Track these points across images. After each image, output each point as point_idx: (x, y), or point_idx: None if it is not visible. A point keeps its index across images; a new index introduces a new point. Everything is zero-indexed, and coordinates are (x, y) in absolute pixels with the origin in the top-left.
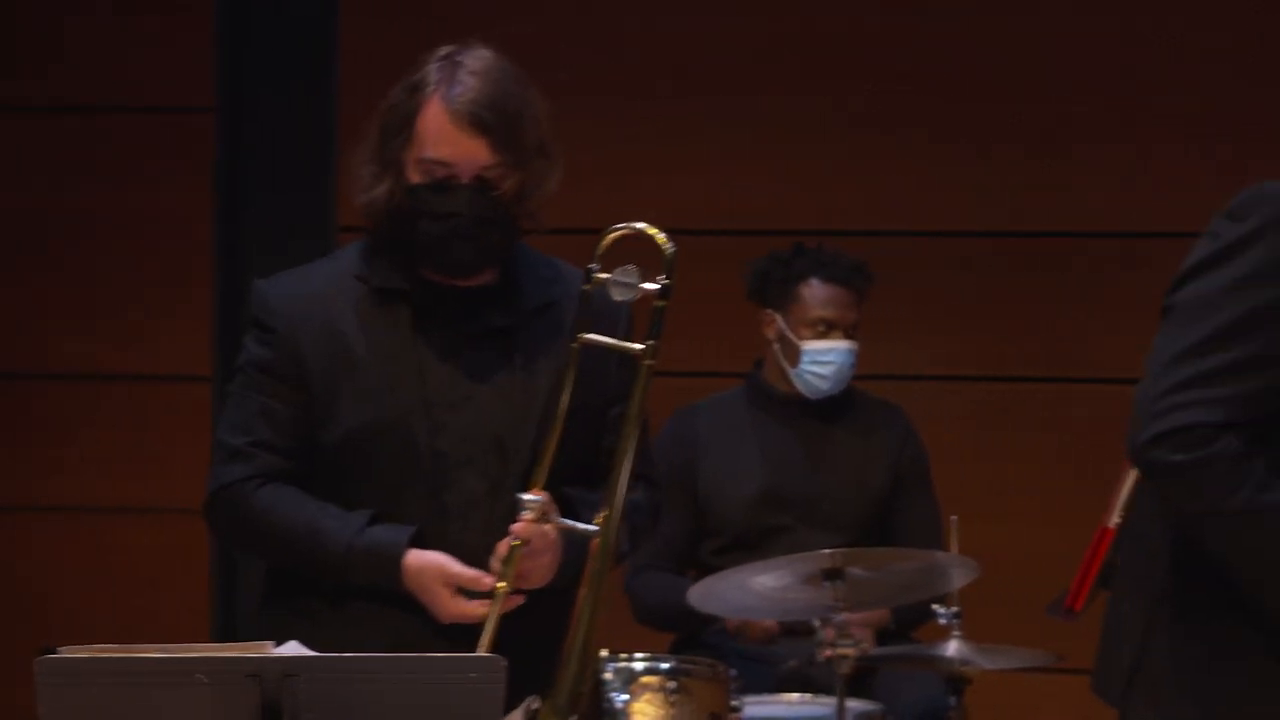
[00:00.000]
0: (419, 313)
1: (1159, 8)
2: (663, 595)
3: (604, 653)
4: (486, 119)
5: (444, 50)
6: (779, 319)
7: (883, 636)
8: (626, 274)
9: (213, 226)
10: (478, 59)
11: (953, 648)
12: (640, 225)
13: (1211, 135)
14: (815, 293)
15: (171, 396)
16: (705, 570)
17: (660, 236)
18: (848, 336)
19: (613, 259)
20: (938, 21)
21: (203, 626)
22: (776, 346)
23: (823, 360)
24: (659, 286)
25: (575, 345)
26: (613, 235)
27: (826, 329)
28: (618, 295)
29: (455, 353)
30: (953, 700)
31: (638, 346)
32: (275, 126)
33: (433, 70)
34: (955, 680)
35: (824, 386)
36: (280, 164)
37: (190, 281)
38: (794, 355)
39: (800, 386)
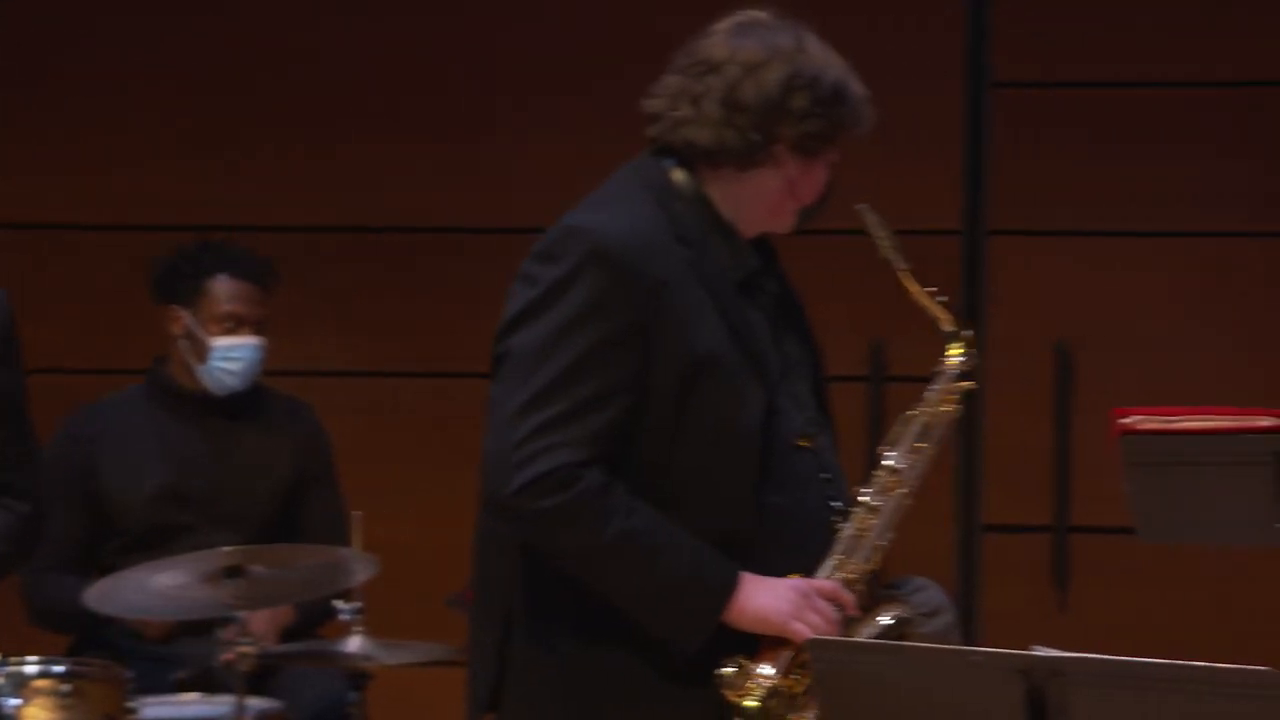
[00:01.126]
0: None
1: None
2: (59, 596)
3: None
4: None
5: None
6: (186, 315)
7: (286, 634)
8: None
9: None
10: None
11: (355, 643)
12: None
13: (594, 132)
14: (223, 288)
15: None
16: (107, 570)
17: None
18: (256, 333)
19: None
20: (299, 19)
21: None
22: (184, 343)
23: (232, 356)
24: None
25: None
26: None
27: (235, 325)
28: None
29: None
30: (354, 696)
31: None
32: None
33: None
34: (357, 676)
35: (233, 383)
36: None
37: None
38: (203, 351)
39: (209, 383)
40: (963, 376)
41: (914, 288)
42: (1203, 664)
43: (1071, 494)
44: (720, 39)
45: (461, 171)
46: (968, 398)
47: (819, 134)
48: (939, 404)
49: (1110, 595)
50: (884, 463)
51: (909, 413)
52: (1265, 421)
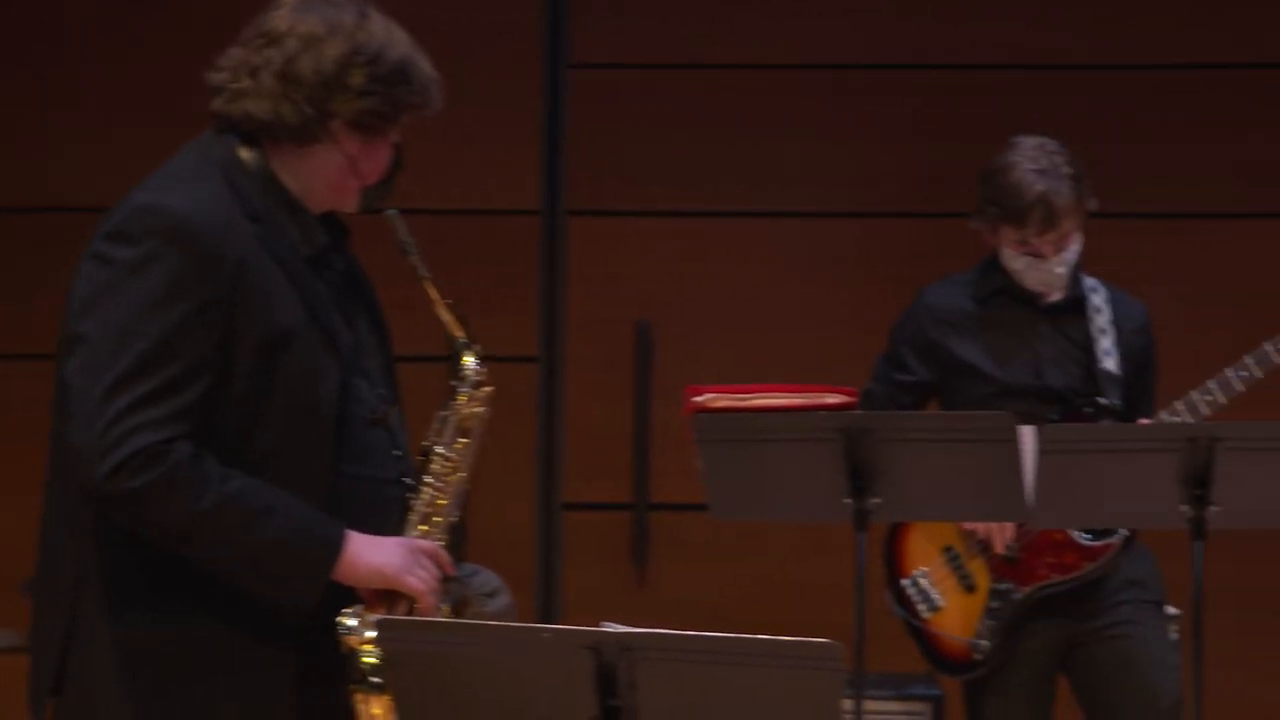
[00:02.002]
0: None
1: None
2: None
3: None
4: None
5: None
6: None
7: None
8: None
9: None
10: None
11: None
12: None
13: (149, 111)
14: None
15: None
16: None
17: None
18: None
19: None
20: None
21: None
22: None
23: None
24: None
25: None
26: None
27: None
28: None
29: None
30: None
31: None
32: None
33: None
34: None
35: None
36: None
37: None
38: None
39: None
40: (480, 383)
41: (434, 295)
42: (766, 637)
43: (651, 472)
44: (284, 12)
45: (11, 151)
46: (549, 377)
47: (377, 112)
48: (467, 406)
49: (687, 571)
50: (436, 451)
51: (442, 412)
52: (833, 399)
